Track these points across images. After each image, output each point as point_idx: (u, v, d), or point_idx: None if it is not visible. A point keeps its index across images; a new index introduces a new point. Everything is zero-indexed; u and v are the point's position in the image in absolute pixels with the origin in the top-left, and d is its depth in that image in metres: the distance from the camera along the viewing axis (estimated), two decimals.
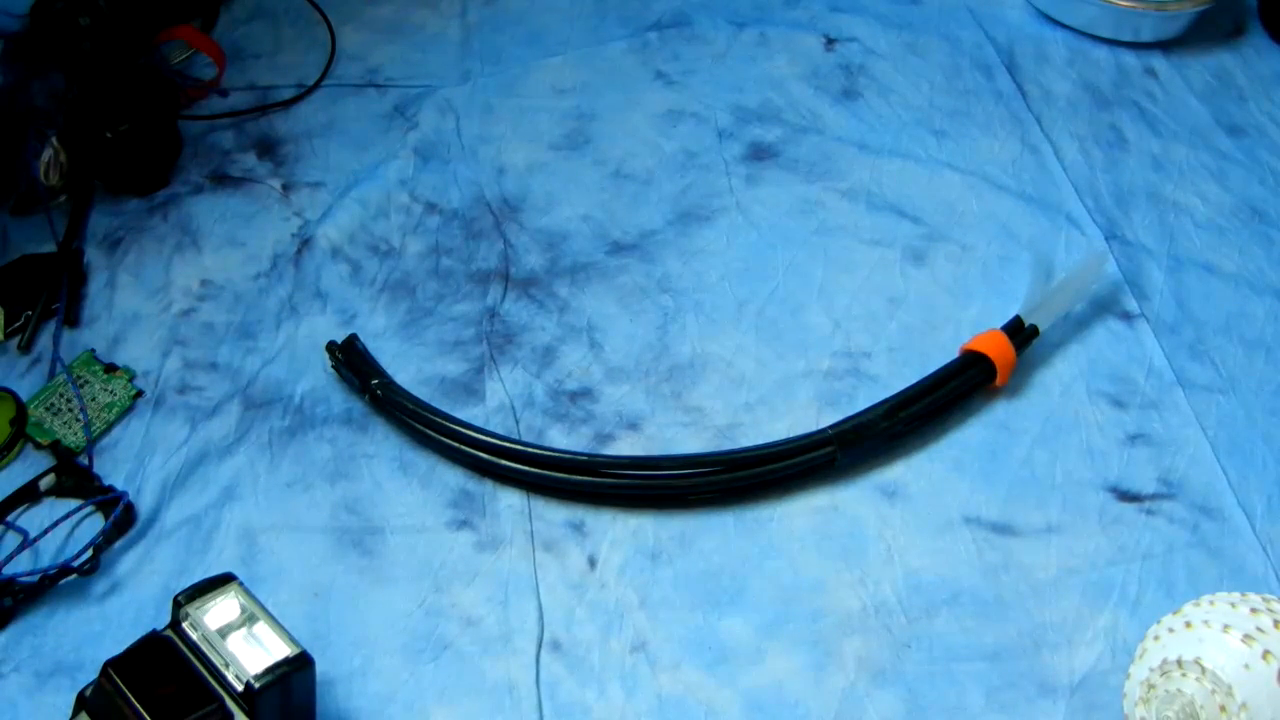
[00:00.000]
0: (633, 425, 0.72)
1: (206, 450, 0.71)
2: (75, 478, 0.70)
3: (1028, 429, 0.72)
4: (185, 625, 0.57)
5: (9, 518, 0.68)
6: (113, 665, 0.55)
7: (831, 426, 0.70)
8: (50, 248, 0.81)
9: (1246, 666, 0.55)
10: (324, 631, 0.64)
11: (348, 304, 0.79)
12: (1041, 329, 0.74)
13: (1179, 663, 0.56)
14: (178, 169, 0.86)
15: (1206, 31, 0.95)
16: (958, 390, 0.72)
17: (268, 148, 0.88)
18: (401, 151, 0.87)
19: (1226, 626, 0.56)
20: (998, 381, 0.73)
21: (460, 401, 0.73)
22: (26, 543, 0.66)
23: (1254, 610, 0.57)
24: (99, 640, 0.64)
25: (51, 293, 0.78)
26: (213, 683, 0.55)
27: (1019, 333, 0.74)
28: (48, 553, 0.67)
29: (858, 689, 0.62)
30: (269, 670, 0.55)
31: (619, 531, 0.68)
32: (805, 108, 0.90)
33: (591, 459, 0.70)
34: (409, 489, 0.70)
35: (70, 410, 0.73)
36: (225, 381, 0.75)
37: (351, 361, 0.74)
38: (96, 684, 0.56)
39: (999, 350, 0.72)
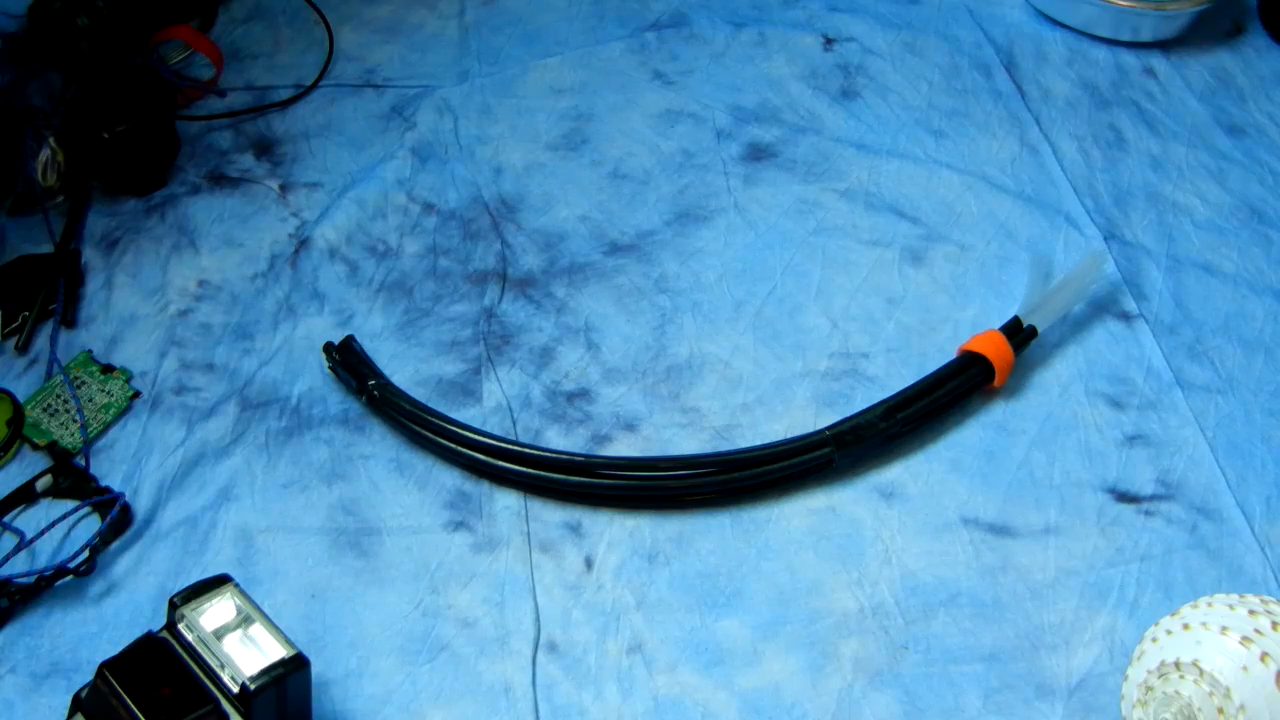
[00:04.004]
0: (630, 426, 0.72)
1: (203, 451, 0.71)
2: (72, 479, 0.69)
3: (1026, 430, 0.72)
4: (181, 627, 0.57)
5: (5, 519, 0.68)
6: (108, 667, 0.55)
7: (829, 427, 0.70)
8: (47, 248, 0.81)
9: (1244, 669, 0.55)
10: (320, 633, 0.64)
11: (345, 304, 0.78)
12: (1040, 329, 0.74)
13: (1177, 665, 0.56)
14: (175, 169, 0.86)
15: (1206, 31, 0.95)
16: (956, 391, 0.72)
17: (265, 148, 0.88)
18: (399, 152, 0.87)
19: (1224, 628, 0.56)
20: (996, 382, 0.72)
21: (457, 402, 0.73)
22: (23, 544, 0.66)
23: (1252, 612, 0.57)
24: (95, 641, 0.63)
25: (49, 293, 0.78)
26: (208, 684, 0.55)
27: (1017, 333, 0.74)
28: (44, 554, 0.67)
29: (855, 690, 0.62)
30: (265, 672, 0.55)
31: (616, 532, 0.68)
32: (803, 108, 0.90)
33: (588, 460, 0.70)
34: (406, 490, 0.70)
35: (67, 411, 0.73)
36: (222, 382, 0.75)
37: (348, 362, 0.74)
38: (92, 685, 0.56)
39: (997, 351, 0.72)
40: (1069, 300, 0.76)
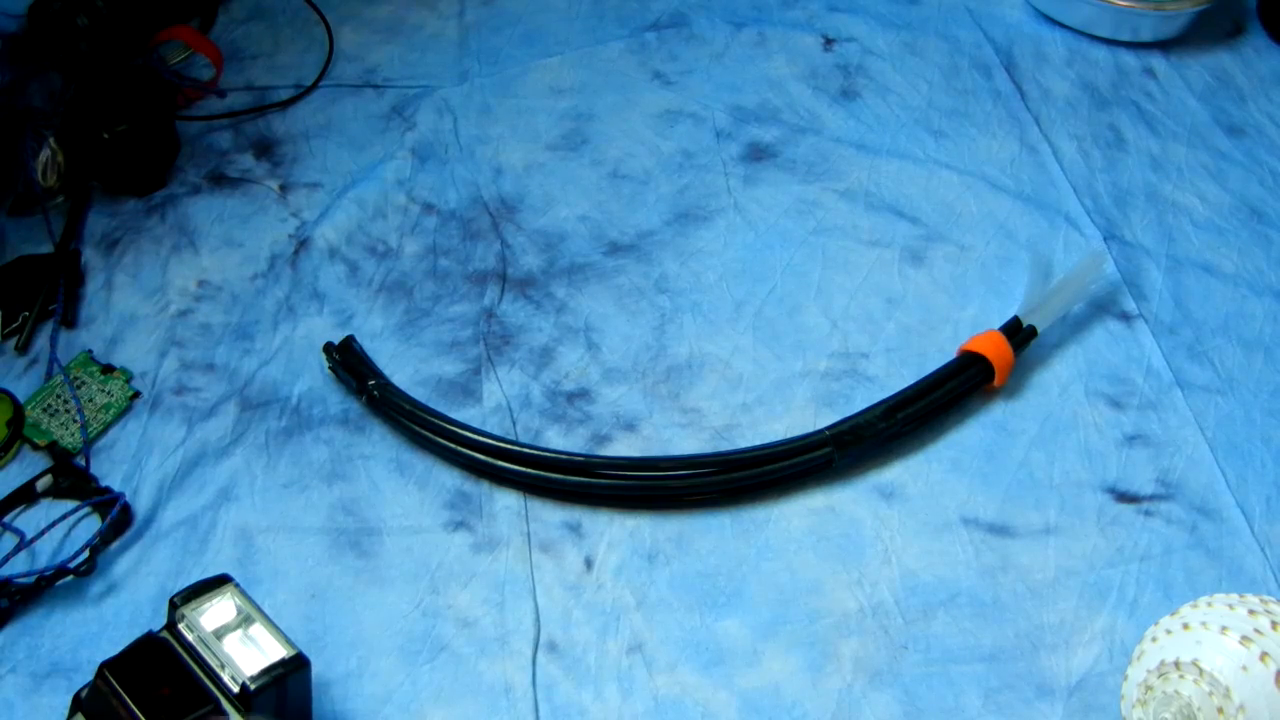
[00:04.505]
0: (630, 426, 0.72)
1: (203, 451, 0.71)
2: (72, 479, 0.69)
3: (1026, 430, 0.72)
4: (181, 627, 0.57)
5: (6, 519, 0.68)
6: (109, 667, 0.55)
7: (829, 427, 0.70)
8: (47, 248, 0.81)
9: (1244, 668, 0.55)
10: (320, 633, 0.64)
11: (345, 305, 0.78)
12: (1040, 329, 0.74)
13: (1177, 664, 0.56)
14: (175, 170, 0.86)
15: (1206, 31, 0.95)
16: (956, 391, 0.72)
17: (265, 148, 0.88)
18: (399, 152, 0.87)
19: (1224, 628, 0.56)
20: (996, 382, 0.72)
21: (457, 402, 0.73)
22: (23, 544, 0.66)
23: (1252, 612, 0.57)
24: (95, 641, 0.63)
25: (49, 293, 0.78)
26: (209, 684, 0.55)
27: (1017, 333, 0.74)
28: (44, 554, 0.67)
29: (854, 690, 0.62)
30: (265, 672, 0.55)
31: (616, 532, 0.68)
32: (803, 108, 0.90)
33: (588, 460, 0.70)
34: (406, 490, 0.70)
35: (67, 411, 0.73)
36: (222, 382, 0.75)
37: (348, 362, 0.74)
38: (92, 685, 0.56)
39: (997, 351, 0.72)
40: (1069, 300, 0.76)
